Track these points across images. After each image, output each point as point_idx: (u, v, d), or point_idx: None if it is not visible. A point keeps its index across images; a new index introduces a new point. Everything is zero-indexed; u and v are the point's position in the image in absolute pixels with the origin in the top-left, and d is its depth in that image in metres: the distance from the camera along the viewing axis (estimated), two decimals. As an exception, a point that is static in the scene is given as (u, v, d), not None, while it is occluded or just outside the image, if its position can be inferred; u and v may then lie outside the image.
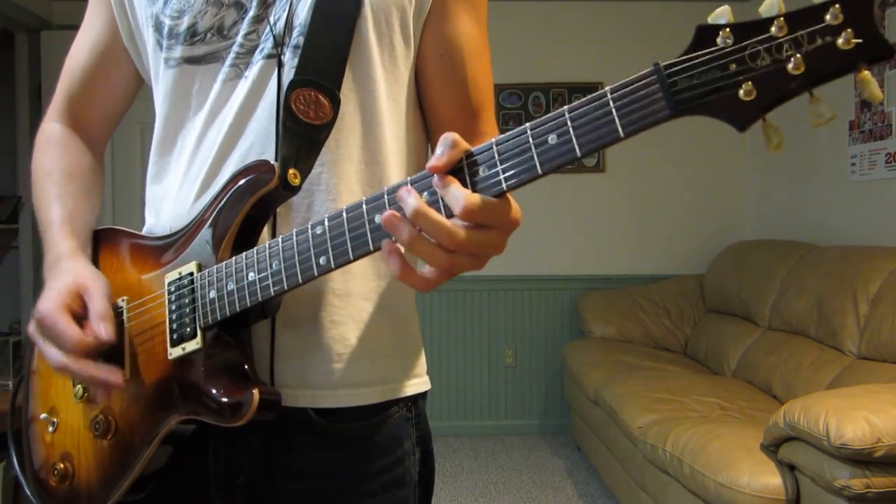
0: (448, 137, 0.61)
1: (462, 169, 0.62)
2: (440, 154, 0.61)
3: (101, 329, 0.76)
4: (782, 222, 3.77)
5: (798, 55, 0.50)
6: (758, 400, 2.77)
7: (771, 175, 3.89)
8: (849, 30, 0.48)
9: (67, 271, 0.81)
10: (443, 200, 0.61)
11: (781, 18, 0.50)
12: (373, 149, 0.84)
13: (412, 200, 0.61)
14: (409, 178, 0.64)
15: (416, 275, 0.64)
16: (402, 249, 0.63)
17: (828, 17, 0.49)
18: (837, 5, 0.48)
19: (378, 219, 0.65)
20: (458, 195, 0.59)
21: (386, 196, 0.65)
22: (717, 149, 4.05)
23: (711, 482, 2.07)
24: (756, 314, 3.26)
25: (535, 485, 3.32)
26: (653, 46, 3.94)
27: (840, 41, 0.48)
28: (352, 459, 0.82)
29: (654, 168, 4.04)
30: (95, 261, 0.88)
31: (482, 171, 0.61)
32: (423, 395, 0.90)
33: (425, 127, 0.93)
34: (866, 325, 2.55)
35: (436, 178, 0.61)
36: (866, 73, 0.49)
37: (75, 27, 0.97)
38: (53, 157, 0.93)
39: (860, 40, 0.48)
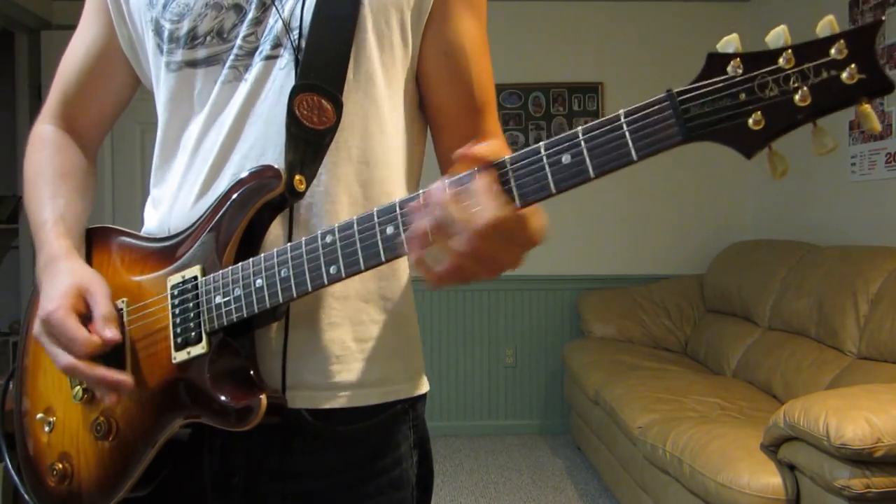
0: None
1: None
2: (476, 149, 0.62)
3: (107, 332, 0.76)
4: (782, 222, 3.77)
5: (805, 87, 0.52)
6: (758, 400, 2.77)
7: (771, 175, 3.89)
8: (853, 65, 0.50)
9: (65, 271, 0.81)
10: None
11: (789, 51, 0.52)
12: (373, 150, 0.84)
13: (440, 189, 0.62)
14: (423, 190, 0.64)
15: (427, 265, 0.64)
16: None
17: (833, 51, 0.51)
18: (842, 41, 0.50)
19: (389, 230, 0.66)
20: (489, 205, 0.59)
21: (398, 209, 0.66)
22: (717, 149, 4.01)
23: (711, 482, 2.07)
24: (756, 314, 3.26)
25: (535, 485, 3.32)
26: (653, 47, 3.95)
27: (844, 76, 0.50)
28: (349, 461, 0.82)
29: (654, 168, 4.04)
30: (89, 260, 0.88)
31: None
32: (422, 398, 0.90)
33: (425, 127, 0.93)
34: (866, 325, 2.55)
35: (472, 180, 0.62)
36: (867, 106, 0.51)
37: (75, 27, 0.97)
38: (45, 158, 0.93)
39: (864, 76, 0.50)
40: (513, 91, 4.07)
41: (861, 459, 1.73)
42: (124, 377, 0.77)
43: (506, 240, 0.61)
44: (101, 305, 0.78)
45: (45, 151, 0.94)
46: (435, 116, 0.91)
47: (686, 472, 2.21)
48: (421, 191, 0.64)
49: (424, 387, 0.90)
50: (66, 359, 0.76)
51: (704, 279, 3.86)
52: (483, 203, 0.59)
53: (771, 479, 1.98)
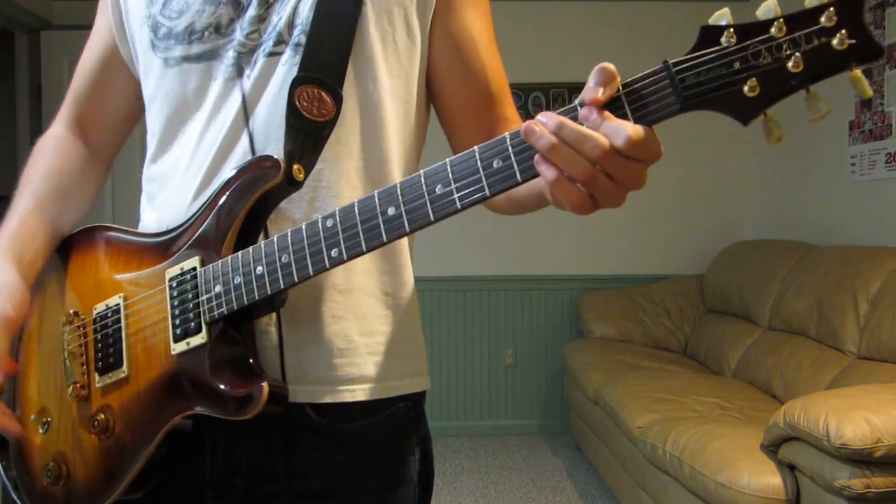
0: (607, 70, 0.58)
1: (620, 100, 0.59)
2: (595, 86, 0.59)
3: None
4: (782, 222, 3.77)
5: (797, 54, 0.53)
6: (758, 400, 2.77)
7: (771, 175, 3.89)
8: (843, 31, 0.52)
9: None
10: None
11: (781, 20, 0.54)
12: (374, 145, 0.84)
13: (551, 115, 0.60)
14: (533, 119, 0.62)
15: (567, 183, 0.60)
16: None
17: (823, 19, 0.53)
18: (832, 8, 0.52)
19: (391, 211, 0.66)
20: (620, 126, 0.57)
21: (399, 188, 0.66)
22: (717, 148, 4.05)
23: (711, 482, 2.07)
24: (756, 314, 3.26)
25: (535, 485, 3.32)
26: (653, 46, 3.95)
27: (835, 42, 0.52)
28: (352, 458, 0.82)
29: (654, 167, 4.02)
30: (66, 263, 0.89)
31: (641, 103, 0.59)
32: (422, 394, 0.90)
33: (427, 122, 0.94)
34: (866, 325, 2.55)
35: (586, 110, 0.59)
36: (857, 71, 0.53)
37: (75, 27, 0.98)
38: (36, 161, 0.94)
39: (853, 41, 0.52)
40: (513, 91, 4.03)
41: (861, 459, 1.73)
42: (10, 425, 0.80)
43: (634, 158, 0.59)
44: None
45: (38, 153, 0.95)
46: (450, 111, 0.92)
47: (686, 472, 2.20)
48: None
49: (426, 383, 0.90)
50: None
51: (704, 279, 3.86)
52: (614, 122, 0.58)
53: (771, 479, 1.98)
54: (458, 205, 0.64)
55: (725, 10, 0.56)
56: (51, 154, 0.94)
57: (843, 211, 3.25)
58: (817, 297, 2.82)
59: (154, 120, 0.88)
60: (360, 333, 0.82)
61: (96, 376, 0.83)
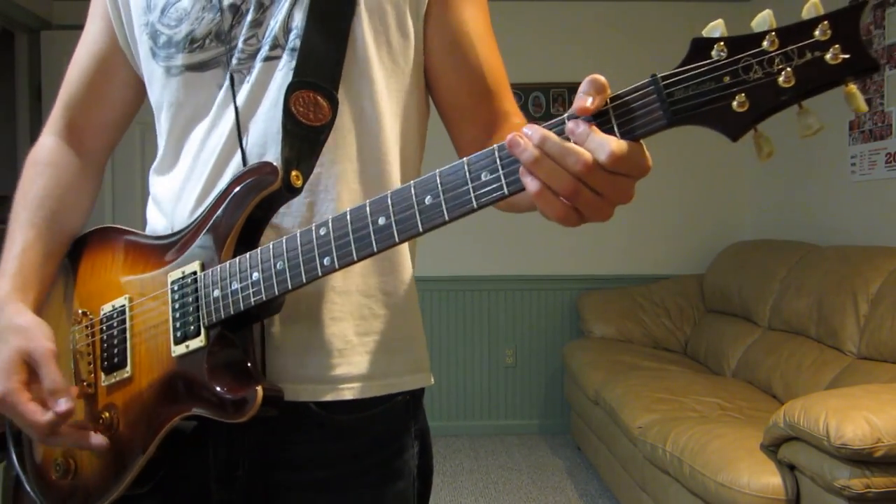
0: (597, 81, 0.58)
1: (607, 114, 0.59)
2: (585, 95, 0.58)
3: (60, 406, 0.77)
4: (782, 222, 3.77)
5: (789, 69, 0.52)
6: (758, 400, 2.77)
7: (771, 175, 3.89)
8: (837, 45, 0.50)
9: (7, 330, 0.82)
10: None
11: (773, 33, 0.52)
12: (371, 147, 0.84)
13: (536, 128, 0.59)
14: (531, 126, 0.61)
15: (551, 196, 0.59)
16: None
17: (817, 32, 0.51)
18: (826, 22, 0.51)
19: (381, 220, 0.66)
20: (604, 141, 0.57)
21: (389, 198, 0.66)
22: (717, 149, 4.04)
23: (711, 482, 2.07)
24: (756, 314, 3.26)
25: (535, 485, 3.32)
26: (652, 47, 3.94)
27: (828, 56, 0.51)
28: (351, 450, 0.84)
29: (653, 168, 4.02)
30: (77, 264, 0.90)
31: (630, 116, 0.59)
32: (421, 389, 0.91)
33: (426, 122, 0.94)
34: (866, 325, 2.55)
35: (572, 124, 0.59)
36: (853, 86, 0.51)
37: (75, 27, 0.97)
38: (31, 182, 0.93)
39: (847, 55, 0.50)
40: (513, 91, 4.05)
41: (861, 459, 1.73)
42: (96, 440, 0.80)
43: (621, 173, 0.58)
44: (47, 375, 0.79)
45: (32, 170, 0.94)
46: (450, 109, 0.91)
47: (686, 472, 2.21)
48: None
49: (427, 380, 0.90)
50: (35, 436, 0.80)
51: (704, 279, 3.86)
52: (598, 137, 0.57)
53: (771, 479, 1.98)
54: (447, 217, 0.64)
55: (720, 22, 0.55)
56: (45, 172, 0.93)
57: (843, 211, 3.25)
58: (817, 297, 2.82)
59: (161, 126, 0.89)
60: (357, 334, 0.83)
61: (102, 375, 0.84)
